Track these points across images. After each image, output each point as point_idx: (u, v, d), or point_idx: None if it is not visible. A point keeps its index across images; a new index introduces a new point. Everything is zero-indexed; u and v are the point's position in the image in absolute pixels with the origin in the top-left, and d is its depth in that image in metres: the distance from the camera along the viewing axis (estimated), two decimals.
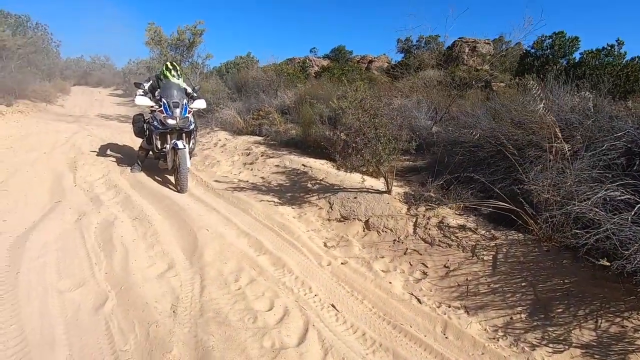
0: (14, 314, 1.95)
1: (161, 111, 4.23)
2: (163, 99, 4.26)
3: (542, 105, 2.56)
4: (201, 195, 4.00)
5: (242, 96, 8.52)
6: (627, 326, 1.87)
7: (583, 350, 1.83)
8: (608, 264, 1.82)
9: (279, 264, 2.65)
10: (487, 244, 2.58)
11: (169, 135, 4.30)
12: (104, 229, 3.06)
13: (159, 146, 4.37)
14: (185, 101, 4.36)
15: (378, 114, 3.35)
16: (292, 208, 3.65)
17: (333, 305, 2.22)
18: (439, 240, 2.75)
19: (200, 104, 4.58)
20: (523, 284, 2.24)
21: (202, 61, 11.06)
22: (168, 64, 4.55)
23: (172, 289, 2.29)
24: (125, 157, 5.56)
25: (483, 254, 2.51)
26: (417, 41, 16.51)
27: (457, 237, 2.71)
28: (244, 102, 8.06)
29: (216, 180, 4.51)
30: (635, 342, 1.80)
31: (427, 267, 2.59)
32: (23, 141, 5.94)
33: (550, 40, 8.40)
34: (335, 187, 3.82)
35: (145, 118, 4.77)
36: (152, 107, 4.36)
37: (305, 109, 5.94)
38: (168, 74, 4.47)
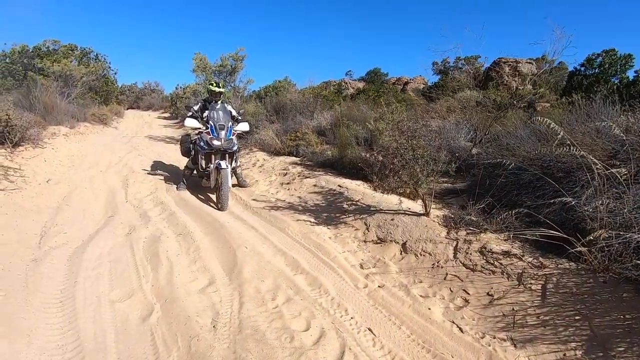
0: (72, 320, 2.11)
1: (208, 132, 4.52)
2: (210, 122, 4.57)
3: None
4: (240, 214, 4.14)
5: (280, 118, 8.83)
6: None
7: None
8: None
9: (315, 284, 2.66)
10: (535, 272, 2.43)
11: (213, 156, 4.55)
12: (151, 243, 3.24)
13: (204, 165, 4.62)
14: (230, 124, 4.64)
15: (416, 136, 3.34)
16: (328, 228, 3.67)
17: (370, 329, 2.17)
18: (482, 266, 2.63)
19: (243, 126, 4.83)
20: (577, 317, 2.07)
21: (244, 85, 11.69)
22: (212, 81, 4.97)
23: (213, 304, 2.37)
24: (171, 175, 5.91)
25: (531, 283, 2.37)
26: (453, 62, 16.38)
27: (501, 263, 2.58)
28: (281, 124, 8.34)
29: (254, 199, 4.65)
30: None
31: (468, 294, 2.48)
32: (83, 160, 6.51)
33: (601, 58, 8.01)
34: (372, 209, 3.80)
35: (192, 139, 5.08)
36: (199, 128, 4.65)
37: (341, 130, 6.03)
38: (211, 87, 4.86)
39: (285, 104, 9.50)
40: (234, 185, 4.96)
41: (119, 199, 4.54)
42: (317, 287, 2.61)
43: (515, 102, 6.79)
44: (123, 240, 3.29)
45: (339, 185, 4.62)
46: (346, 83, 17.72)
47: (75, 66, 12.79)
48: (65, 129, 8.61)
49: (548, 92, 8.73)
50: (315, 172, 5.45)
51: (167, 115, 20.46)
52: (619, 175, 2.31)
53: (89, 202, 4.30)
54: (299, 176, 5.35)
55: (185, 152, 5.17)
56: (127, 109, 22.60)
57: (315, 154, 6.29)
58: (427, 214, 3.36)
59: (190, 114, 4.73)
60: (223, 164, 4.30)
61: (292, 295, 2.49)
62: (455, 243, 2.93)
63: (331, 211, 4.04)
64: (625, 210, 2.20)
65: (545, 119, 2.52)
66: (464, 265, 2.71)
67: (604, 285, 2.17)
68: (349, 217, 3.80)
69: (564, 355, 1.92)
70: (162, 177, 5.73)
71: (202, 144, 4.58)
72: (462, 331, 2.17)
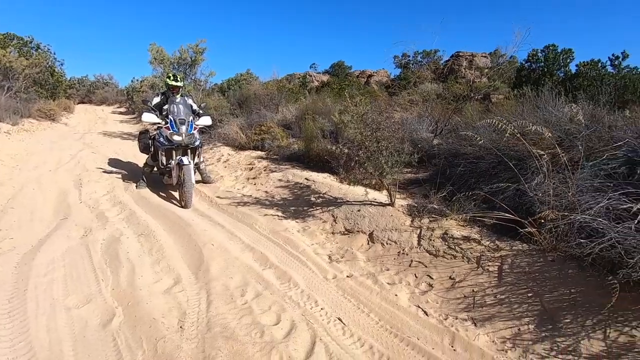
0: (23, 331, 1.96)
1: (167, 127, 4.32)
2: (170, 116, 4.36)
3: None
4: (205, 211, 4.03)
5: (244, 112, 8.63)
6: (636, 336, 1.86)
7: None
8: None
9: (284, 277, 2.65)
10: (492, 254, 2.58)
11: (174, 152, 4.36)
12: (109, 245, 3.08)
13: (164, 162, 4.42)
14: (191, 118, 4.46)
15: (380, 128, 3.40)
16: (296, 222, 3.67)
17: (339, 319, 2.21)
18: (444, 252, 2.76)
19: (205, 120, 4.67)
20: (529, 294, 2.24)
21: (206, 78, 11.27)
22: (170, 74, 4.70)
23: (179, 304, 2.30)
24: (129, 173, 5.61)
25: (488, 265, 2.52)
26: (413, 56, 16.82)
27: (461, 248, 2.72)
28: (245, 118, 8.16)
29: (220, 196, 4.54)
30: None
31: (432, 278, 2.59)
32: (28, 159, 6.02)
33: (543, 53, 8.53)
34: (339, 201, 3.85)
35: (150, 134, 4.85)
36: (158, 123, 4.44)
37: (307, 123, 6.02)
38: (168, 80, 4.62)
39: (249, 97, 9.30)
40: (198, 182, 4.80)
41: (72, 199, 4.25)
42: (286, 281, 2.61)
43: (472, 94, 7.11)
44: (78, 243, 3.09)
45: (306, 179, 4.62)
46: (311, 76, 17.67)
47: (15, 57, 11.70)
48: (6, 126, 7.92)
49: (502, 85, 9.21)
50: (282, 166, 5.41)
51: (123, 110, 19.35)
52: (565, 160, 2.50)
53: (37, 204, 3.99)
54: (265, 170, 5.29)
55: (143, 149, 4.92)
56: (78, 103, 21.08)
57: (281, 147, 6.24)
58: (392, 203, 3.46)
59: (147, 108, 4.50)
60: (185, 159, 4.15)
61: (261, 290, 2.48)
62: (419, 231, 3.04)
63: (299, 205, 4.04)
64: (570, 194, 2.39)
65: (496, 119, 2.68)
66: (427, 251, 2.83)
67: (552, 264, 2.36)
68: (316, 209, 3.82)
69: (519, 330, 2.07)
70: (120, 176, 5.43)
71: (161, 139, 4.38)
72: (427, 314, 2.27)
